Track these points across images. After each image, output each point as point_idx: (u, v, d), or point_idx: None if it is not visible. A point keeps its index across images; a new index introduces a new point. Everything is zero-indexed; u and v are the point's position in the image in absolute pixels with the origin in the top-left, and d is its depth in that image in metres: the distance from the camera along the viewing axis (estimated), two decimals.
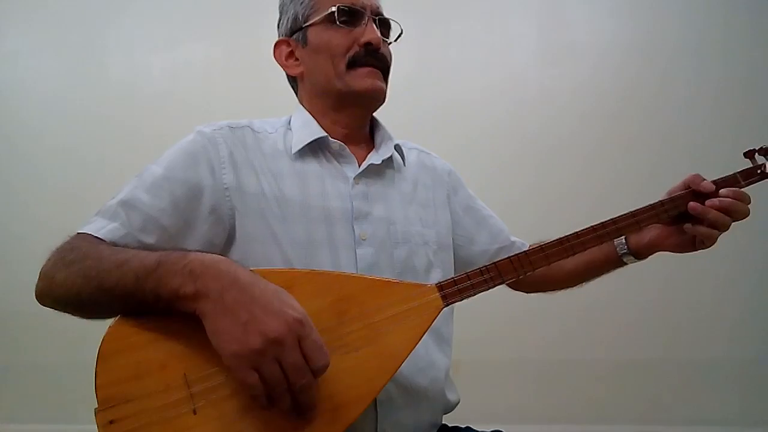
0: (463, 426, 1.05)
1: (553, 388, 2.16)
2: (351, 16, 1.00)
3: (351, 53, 0.99)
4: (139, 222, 0.86)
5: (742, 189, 0.97)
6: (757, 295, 2.11)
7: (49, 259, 0.83)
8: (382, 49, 1.02)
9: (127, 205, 0.88)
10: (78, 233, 0.85)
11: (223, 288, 0.70)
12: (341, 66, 0.99)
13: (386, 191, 1.01)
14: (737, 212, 0.94)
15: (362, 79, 0.99)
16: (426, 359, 0.95)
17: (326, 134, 1.00)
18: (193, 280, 0.71)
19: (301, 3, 1.03)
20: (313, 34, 1.01)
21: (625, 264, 1.06)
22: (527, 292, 1.19)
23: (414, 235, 1.00)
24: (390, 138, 1.07)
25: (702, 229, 0.94)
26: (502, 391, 2.14)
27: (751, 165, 0.99)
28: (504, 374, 2.17)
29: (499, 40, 2.33)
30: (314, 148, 1.00)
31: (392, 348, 0.77)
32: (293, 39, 1.04)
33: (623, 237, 1.03)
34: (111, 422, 0.68)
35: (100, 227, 0.85)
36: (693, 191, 0.95)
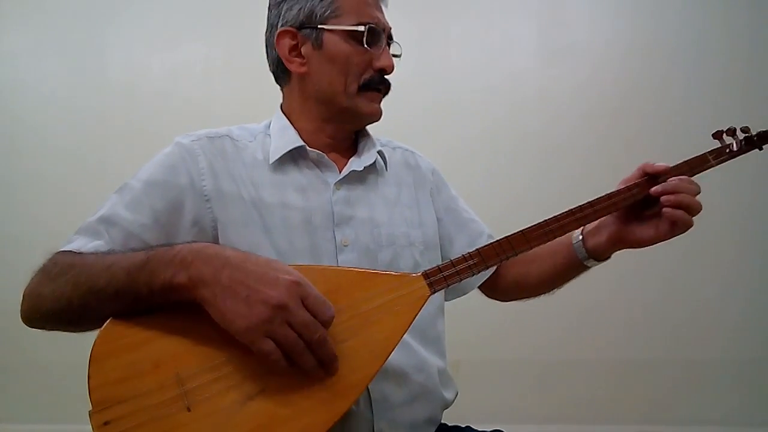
0: (463, 426, 1.05)
1: (553, 388, 2.16)
2: (373, 37, 0.98)
3: (366, 76, 0.98)
4: (120, 239, 0.87)
5: (713, 167, 0.97)
6: (757, 296, 2.12)
7: (31, 280, 0.83)
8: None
9: (107, 222, 0.88)
10: (59, 252, 0.85)
11: (216, 270, 0.72)
12: (354, 86, 0.98)
13: (369, 195, 1.01)
14: (694, 190, 0.90)
15: (369, 103, 1.00)
16: (417, 357, 0.95)
17: (303, 144, 0.98)
18: (185, 267, 0.72)
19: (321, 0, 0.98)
20: (330, 41, 0.97)
21: (589, 267, 1.03)
22: (503, 300, 1.18)
23: (399, 236, 0.99)
24: (374, 144, 1.06)
25: (677, 213, 0.89)
26: (502, 391, 2.14)
27: (720, 145, 1.00)
28: (504, 374, 2.18)
29: (499, 41, 2.33)
30: (294, 156, 0.99)
31: (382, 336, 0.78)
32: (302, 34, 0.99)
33: (581, 240, 1.00)
34: (106, 423, 0.69)
35: (82, 245, 0.85)
36: (648, 176, 0.94)
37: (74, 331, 0.82)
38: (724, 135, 1.00)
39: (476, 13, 2.34)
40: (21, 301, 0.83)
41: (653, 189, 0.91)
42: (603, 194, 0.94)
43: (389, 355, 0.78)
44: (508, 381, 2.17)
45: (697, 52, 2.20)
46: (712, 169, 0.99)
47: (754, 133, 1.00)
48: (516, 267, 1.12)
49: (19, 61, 2.53)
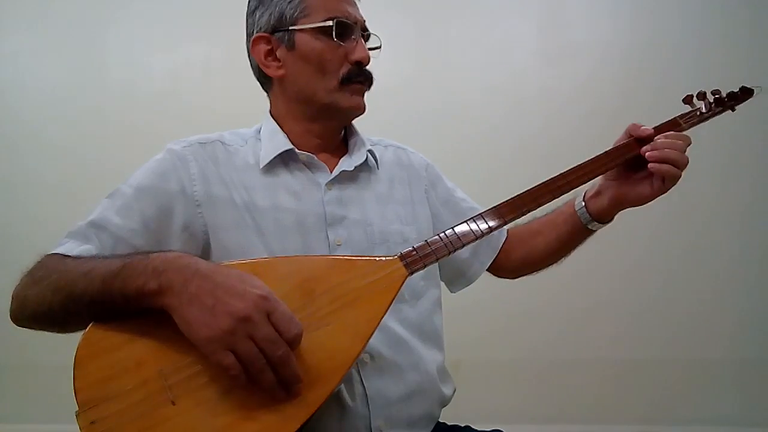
0: (462, 425, 1.05)
1: (553, 388, 2.16)
2: (344, 30, 0.98)
3: (344, 70, 0.98)
4: (110, 243, 0.88)
5: (684, 130, 0.99)
6: (757, 295, 2.12)
7: (20, 282, 0.85)
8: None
9: (97, 226, 0.89)
10: (47, 255, 0.86)
11: (185, 279, 0.72)
12: (333, 82, 0.98)
13: (361, 194, 1.01)
14: (680, 145, 0.94)
15: (351, 97, 0.99)
16: (414, 354, 0.95)
17: (292, 147, 0.99)
18: (156, 276, 0.73)
19: (289, 1, 0.99)
20: (302, 41, 0.98)
21: (593, 231, 1.05)
22: (512, 278, 1.20)
23: (393, 234, 1.00)
24: (363, 144, 1.06)
25: (663, 167, 0.92)
26: (502, 391, 2.14)
27: (691, 108, 1.02)
28: (504, 374, 2.18)
29: (499, 40, 2.33)
30: (284, 159, 0.99)
31: (362, 319, 0.79)
32: (275, 38, 1.00)
33: (584, 206, 1.03)
34: (92, 423, 0.70)
35: (70, 249, 0.87)
36: (635, 138, 0.96)
37: (60, 332, 0.83)
38: (695, 98, 1.01)
39: (476, 13, 2.34)
40: (10, 301, 0.85)
41: (642, 149, 0.94)
42: (573, 166, 0.96)
43: (370, 338, 0.79)
44: (508, 381, 2.17)
45: (697, 52, 2.20)
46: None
47: (724, 94, 1.00)
48: (521, 245, 1.14)
49: (19, 61, 2.53)
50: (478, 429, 1.04)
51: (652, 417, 2.11)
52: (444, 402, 1.02)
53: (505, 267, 1.17)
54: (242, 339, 0.70)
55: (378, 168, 1.07)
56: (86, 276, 0.77)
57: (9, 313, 0.85)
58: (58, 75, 2.50)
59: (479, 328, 2.04)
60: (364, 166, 1.04)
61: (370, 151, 1.06)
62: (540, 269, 1.16)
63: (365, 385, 0.90)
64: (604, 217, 1.03)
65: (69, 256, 0.85)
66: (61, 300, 0.78)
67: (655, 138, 0.94)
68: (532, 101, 2.27)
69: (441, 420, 1.03)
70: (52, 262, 0.84)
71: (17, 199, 2.47)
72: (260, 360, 0.70)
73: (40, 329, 0.85)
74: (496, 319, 2.10)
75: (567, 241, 1.09)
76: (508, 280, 1.21)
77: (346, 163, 1.02)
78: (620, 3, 2.29)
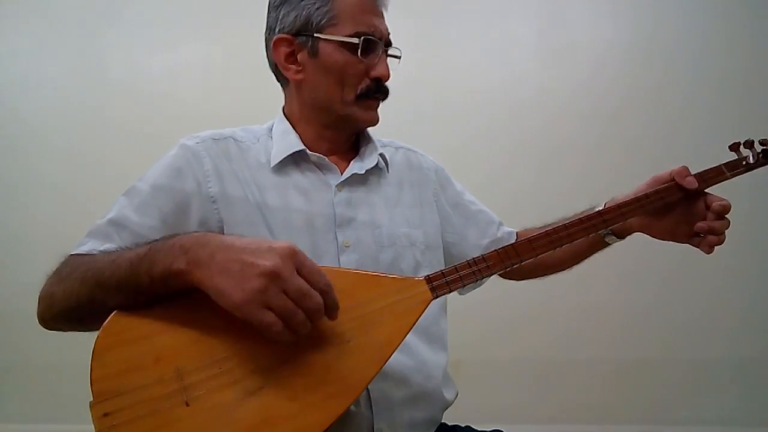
0: (463, 425, 1.06)
1: (553, 388, 2.17)
2: (369, 46, 0.97)
3: (363, 86, 0.98)
4: (130, 241, 0.88)
5: (728, 179, 1.00)
6: (757, 295, 2.12)
7: (45, 283, 0.85)
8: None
9: (117, 225, 0.90)
10: (71, 255, 0.87)
11: (211, 252, 0.72)
12: (350, 95, 0.98)
13: (370, 196, 1.02)
14: (727, 226, 0.98)
15: (366, 111, 1.00)
16: (418, 358, 0.95)
17: (304, 148, 0.99)
18: (183, 254, 0.73)
19: (317, 7, 0.96)
20: (325, 50, 0.97)
21: (609, 244, 1.09)
22: (517, 280, 1.20)
23: (400, 237, 1.00)
24: (375, 147, 1.06)
25: (712, 239, 0.97)
26: (502, 391, 2.14)
27: (737, 157, 1.01)
28: (504, 374, 2.18)
29: (499, 41, 2.33)
30: (295, 159, 1.00)
31: (382, 339, 0.78)
32: (298, 41, 0.98)
33: None
34: (105, 414, 0.69)
35: (93, 248, 0.87)
36: (677, 184, 0.97)
37: (87, 330, 0.82)
38: (741, 147, 1.00)
39: (476, 13, 2.34)
40: (37, 305, 0.85)
41: (698, 225, 0.97)
42: (613, 204, 0.96)
43: (389, 358, 0.78)
44: (508, 381, 2.17)
45: (697, 52, 2.20)
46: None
47: None
48: None
49: (19, 61, 2.53)
50: (479, 429, 1.04)
51: (652, 417, 2.11)
52: (446, 406, 1.02)
53: (514, 270, 1.17)
54: (276, 295, 0.69)
55: (388, 171, 1.07)
56: (113, 263, 0.78)
57: (36, 317, 0.86)
58: (58, 75, 2.51)
59: (480, 329, 2.04)
60: (374, 169, 1.04)
61: (381, 154, 1.06)
62: (549, 275, 1.18)
63: (369, 387, 0.89)
64: (623, 233, 1.06)
65: (93, 254, 0.85)
66: (89, 290, 0.78)
67: (709, 202, 0.97)
68: (532, 101, 2.27)
69: (442, 420, 1.03)
70: (77, 259, 0.85)
71: (17, 199, 2.47)
72: (297, 312, 0.69)
73: (69, 329, 0.85)
74: (497, 319, 2.10)
75: (582, 251, 1.11)
76: (509, 281, 1.21)
77: (357, 166, 1.02)
78: (620, 3, 2.29)
